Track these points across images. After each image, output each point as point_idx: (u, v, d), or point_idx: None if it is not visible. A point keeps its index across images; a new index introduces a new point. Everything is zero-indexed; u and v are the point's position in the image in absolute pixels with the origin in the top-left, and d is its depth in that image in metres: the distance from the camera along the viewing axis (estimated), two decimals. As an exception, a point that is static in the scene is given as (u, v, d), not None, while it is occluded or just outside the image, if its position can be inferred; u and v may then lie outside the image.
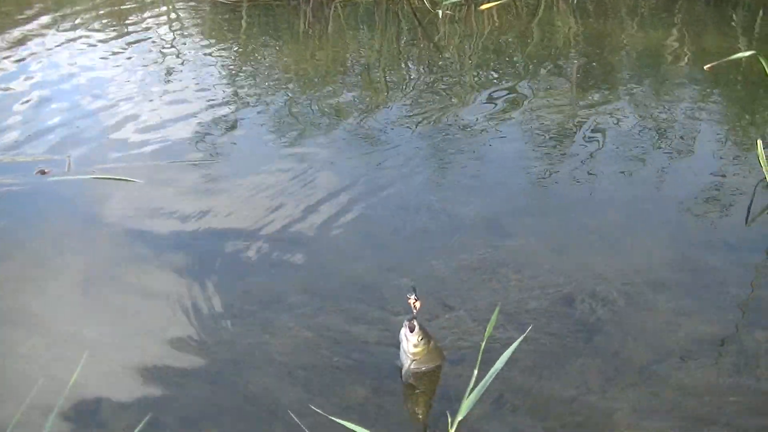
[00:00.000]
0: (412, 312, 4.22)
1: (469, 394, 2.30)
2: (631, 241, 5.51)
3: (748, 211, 5.84)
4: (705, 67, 5.51)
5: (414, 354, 4.25)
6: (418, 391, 4.29)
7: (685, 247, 5.46)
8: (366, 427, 2.55)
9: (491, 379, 2.33)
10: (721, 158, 6.73)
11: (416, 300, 4.21)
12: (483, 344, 2.28)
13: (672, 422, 4.04)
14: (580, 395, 4.21)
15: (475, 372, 2.24)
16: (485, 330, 2.53)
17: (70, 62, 9.69)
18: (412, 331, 4.22)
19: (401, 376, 4.31)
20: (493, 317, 2.20)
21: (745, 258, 5.35)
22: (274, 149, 7.12)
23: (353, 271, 5.30)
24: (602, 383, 4.28)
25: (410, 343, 4.23)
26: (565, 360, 4.44)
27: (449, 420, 2.27)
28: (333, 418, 2.42)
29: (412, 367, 4.29)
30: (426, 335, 4.26)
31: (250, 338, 4.73)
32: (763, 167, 5.74)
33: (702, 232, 5.65)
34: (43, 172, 6.69)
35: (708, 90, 8.24)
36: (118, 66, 9.46)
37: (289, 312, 4.93)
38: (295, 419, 3.94)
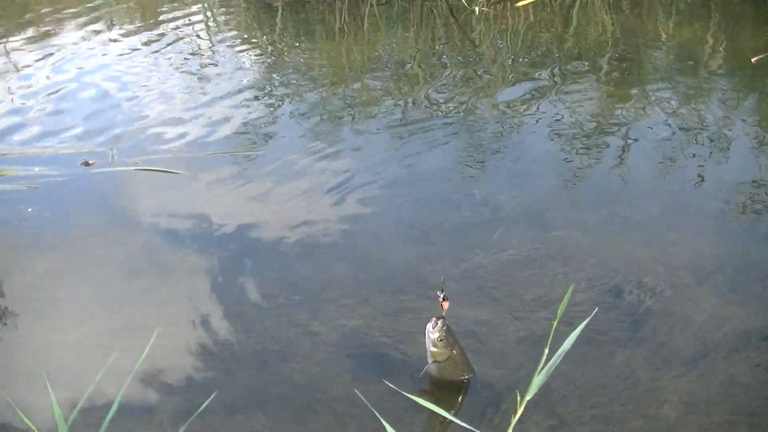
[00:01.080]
0: (441, 311, 4.16)
1: (539, 373, 2.31)
2: (674, 235, 5.50)
3: (791, 205, 5.83)
4: (752, 60, 5.48)
5: (433, 353, 4.22)
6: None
7: (727, 241, 5.44)
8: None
9: (560, 358, 2.35)
10: (760, 154, 6.69)
11: (444, 299, 4.15)
12: (555, 322, 2.29)
13: (720, 415, 4.04)
14: (628, 386, 4.23)
15: (546, 351, 2.25)
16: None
17: (108, 59, 9.77)
18: (434, 328, 4.18)
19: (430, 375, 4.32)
20: (567, 296, 2.21)
21: (788, 251, 5.35)
22: (311, 142, 7.14)
23: (397, 263, 5.32)
24: (650, 374, 4.29)
25: (430, 339, 4.19)
26: (612, 351, 4.45)
27: (518, 399, 2.28)
28: (407, 394, 2.43)
29: (433, 371, 4.26)
30: (450, 338, 4.20)
31: (297, 328, 4.77)
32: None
33: (743, 227, 5.63)
34: (87, 164, 6.77)
35: (747, 86, 8.19)
36: (155, 63, 9.52)
37: (334, 302, 4.97)
38: (341, 408, 3.98)
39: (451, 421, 2.42)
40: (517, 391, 2.34)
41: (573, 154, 6.70)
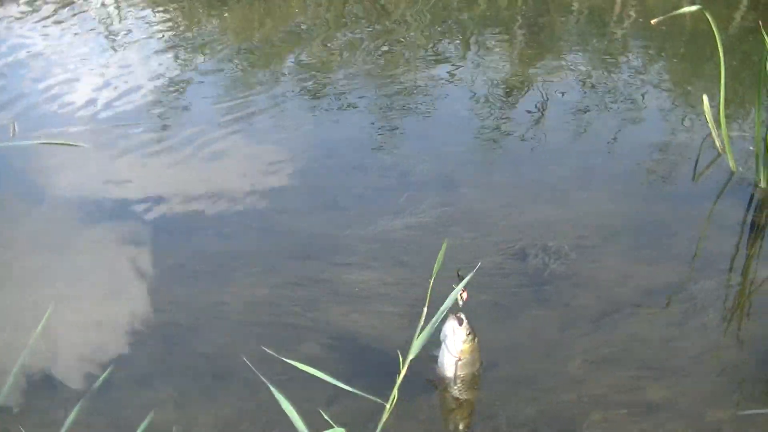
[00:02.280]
0: (458, 304, 3.66)
1: (419, 334, 2.31)
2: (582, 196, 5.56)
3: (695, 167, 5.91)
4: (651, 22, 5.52)
5: (461, 351, 3.88)
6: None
7: (634, 201, 5.52)
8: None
9: (440, 318, 2.34)
10: (668, 115, 6.80)
11: (464, 290, 3.67)
12: (431, 280, 2.28)
13: (623, 371, 4.11)
14: (533, 345, 4.27)
15: (425, 310, 2.24)
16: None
17: (11, 30, 9.49)
18: (460, 324, 3.84)
19: (444, 380, 4.00)
20: (440, 255, 2.20)
21: (693, 211, 5.43)
22: (221, 113, 7.01)
23: (305, 230, 5.28)
24: (554, 334, 4.34)
25: (458, 338, 3.85)
26: (517, 312, 4.49)
27: (400, 360, 2.27)
28: (291, 361, 2.42)
29: (454, 369, 3.93)
30: (473, 330, 3.91)
31: (205, 298, 4.71)
32: (709, 123, 5.79)
33: (650, 187, 5.71)
34: (-13, 138, 6.58)
35: (655, 48, 8.30)
36: (60, 34, 9.27)
37: (242, 272, 4.91)
38: (250, 375, 3.94)
39: (344, 389, 2.40)
40: (399, 351, 2.32)
41: (485, 119, 6.72)
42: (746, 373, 4.09)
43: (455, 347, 3.88)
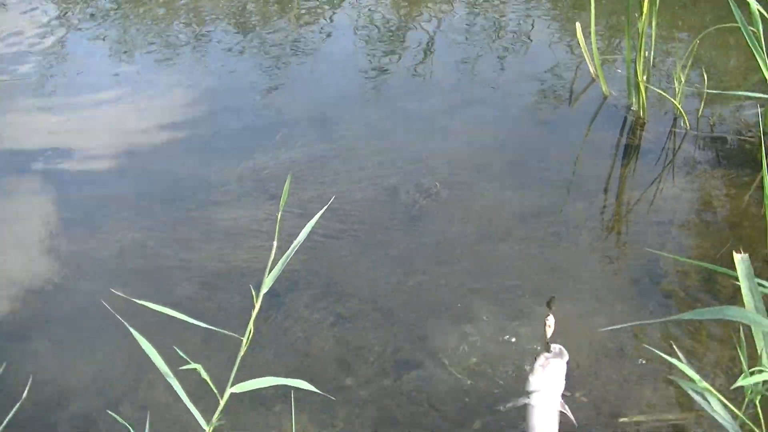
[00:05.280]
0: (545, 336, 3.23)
1: (270, 269, 2.25)
2: (457, 127, 5.54)
3: (570, 93, 5.95)
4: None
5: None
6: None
7: (510, 129, 5.52)
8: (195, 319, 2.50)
9: (294, 251, 2.29)
10: (550, 45, 6.78)
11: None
12: (279, 215, 2.22)
13: (495, 294, 4.14)
14: (407, 277, 4.26)
15: (274, 244, 2.18)
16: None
17: None
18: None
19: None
20: (285, 188, 2.14)
21: (567, 137, 5.46)
22: (97, 61, 6.81)
23: (178, 172, 5.19)
24: (428, 265, 4.34)
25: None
26: (391, 246, 4.47)
27: (253, 294, 2.22)
28: (143, 302, 2.35)
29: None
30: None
31: (75, 245, 4.62)
32: (582, 48, 5.82)
33: (526, 115, 5.71)
34: None
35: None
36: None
37: (113, 217, 4.81)
38: (123, 321, 3.85)
39: (209, 329, 2.35)
40: (251, 286, 2.27)
41: (367, 55, 6.62)
42: (618, 293, 4.14)
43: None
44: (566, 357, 3.19)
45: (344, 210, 4.65)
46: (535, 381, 3.16)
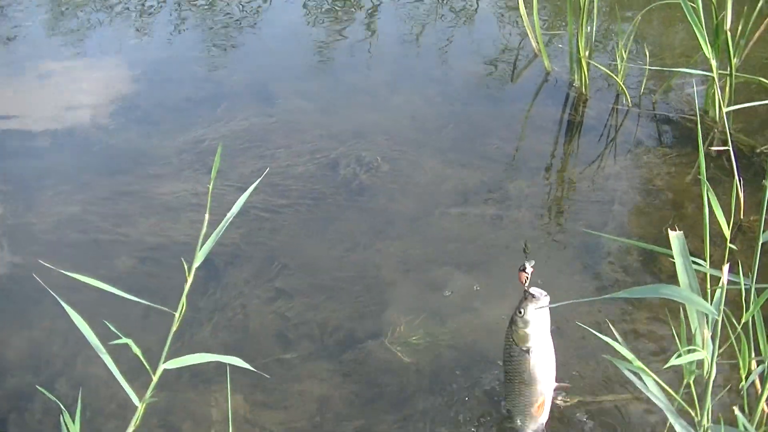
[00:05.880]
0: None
1: (202, 242, 2.21)
2: (401, 101, 5.53)
3: (514, 68, 5.96)
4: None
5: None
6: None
7: (452, 104, 5.53)
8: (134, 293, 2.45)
9: (227, 224, 2.25)
10: (496, 20, 6.78)
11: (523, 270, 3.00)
12: (210, 186, 2.18)
13: (438, 267, 4.14)
14: (349, 252, 4.25)
15: (206, 216, 2.14)
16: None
17: None
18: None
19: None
20: (216, 159, 2.10)
21: (509, 111, 5.48)
22: (41, 33, 6.66)
23: (117, 145, 5.11)
24: (370, 239, 4.33)
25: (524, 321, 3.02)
26: (332, 221, 4.45)
27: (185, 268, 2.18)
28: (74, 275, 2.29)
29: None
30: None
31: (12, 219, 4.52)
32: (524, 21, 5.81)
33: (469, 90, 5.72)
34: None
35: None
36: None
37: (51, 190, 4.73)
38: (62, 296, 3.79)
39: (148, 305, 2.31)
40: (183, 259, 2.23)
41: (310, 27, 6.57)
42: (558, 271, 4.13)
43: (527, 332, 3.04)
44: (547, 297, 3.01)
45: (285, 184, 4.60)
46: (532, 328, 3.01)
